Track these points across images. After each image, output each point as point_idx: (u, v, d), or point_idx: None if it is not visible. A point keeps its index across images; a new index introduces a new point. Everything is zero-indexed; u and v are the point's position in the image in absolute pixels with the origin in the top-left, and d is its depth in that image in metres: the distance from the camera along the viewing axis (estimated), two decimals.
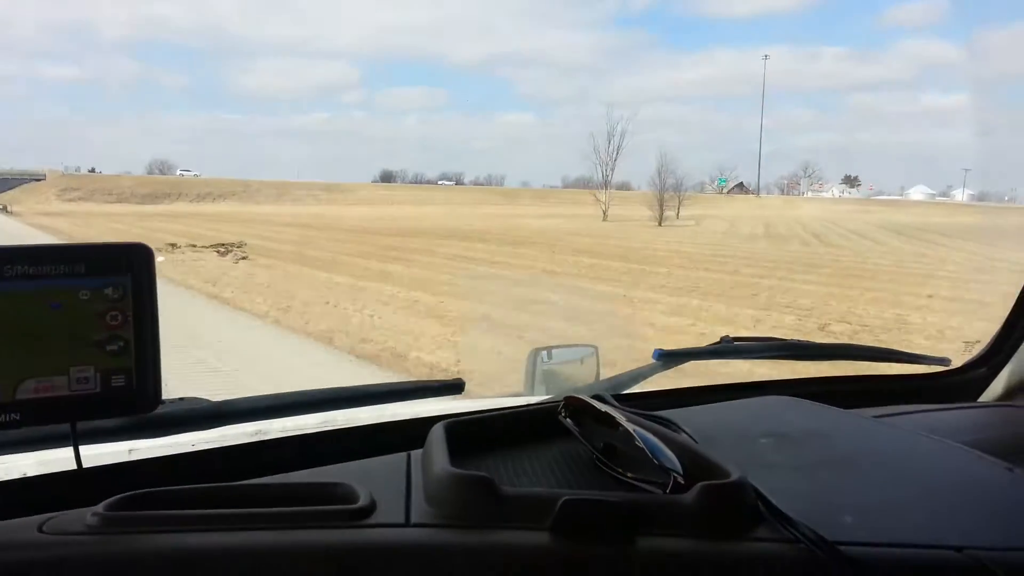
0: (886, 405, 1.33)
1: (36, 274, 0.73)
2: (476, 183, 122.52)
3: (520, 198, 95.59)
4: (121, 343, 0.77)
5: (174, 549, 0.73)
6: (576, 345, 1.62)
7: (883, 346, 1.67)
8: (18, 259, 0.73)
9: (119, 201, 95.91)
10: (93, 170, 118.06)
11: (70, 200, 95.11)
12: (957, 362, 1.62)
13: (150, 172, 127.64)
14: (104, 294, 0.76)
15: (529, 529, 0.76)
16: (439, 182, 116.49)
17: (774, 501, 0.80)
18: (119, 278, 0.76)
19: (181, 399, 0.96)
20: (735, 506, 0.79)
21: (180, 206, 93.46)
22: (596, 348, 1.57)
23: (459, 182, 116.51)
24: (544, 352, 1.55)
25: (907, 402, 1.38)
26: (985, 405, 1.56)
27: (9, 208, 48.56)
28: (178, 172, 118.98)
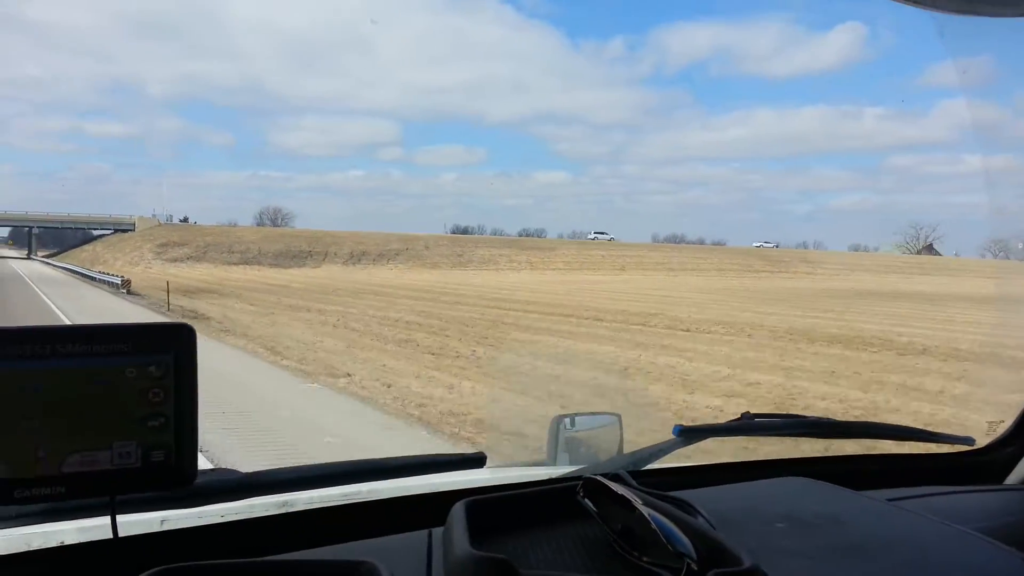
0: (907, 486, 1.33)
1: (86, 352, 0.76)
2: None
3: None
4: (162, 419, 0.79)
5: None
6: (599, 413, 1.64)
7: (906, 424, 1.58)
8: (71, 338, 0.76)
9: (245, 263, 69.56)
10: (186, 220, 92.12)
11: (176, 260, 68.96)
12: (981, 442, 1.57)
13: (260, 223, 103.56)
14: (148, 372, 0.78)
15: None
16: (591, 235, 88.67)
17: None
18: (163, 356, 0.79)
19: (213, 470, 0.98)
20: None
21: (337, 270, 67.01)
22: (619, 417, 1.58)
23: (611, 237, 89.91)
24: (567, 419, 1.56)
25: (929, 483, 1.37)
26: (1009, 488, 1.51)
27: (128, 287, 34.24)
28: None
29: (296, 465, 1.08)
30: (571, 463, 1.46)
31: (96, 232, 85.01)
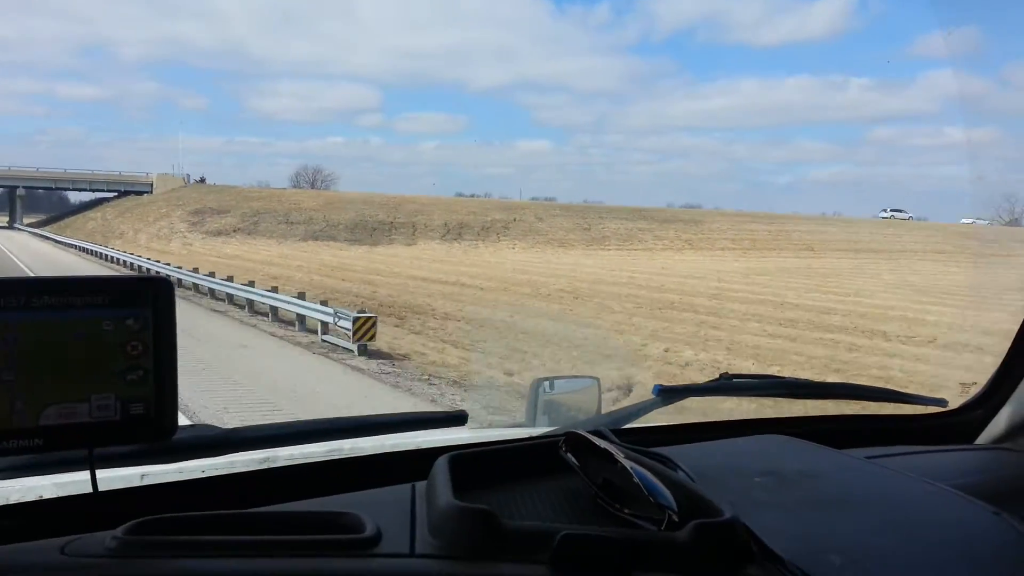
0: (882, 445, 1.36)
1: (62, 305, 0.76)
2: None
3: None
4: (141, 372, 0.79)
5: (190, 574, 0.78)
6: (578, 376, 1.67)
7: (881, 386, 1.63)
8: (45, 290, 0.76)
9: (314, 237, 52.00)
10: (203, 180, 73.69)
11: (220, 232, 51.21)
12: (954, 403, 1.60)
13: (296, 184, 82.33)
14: (126, 325, 0.78)
15: (529, 562, 0.80)
16: (884, 213, 70.78)
17: (765, 541, 0.85)
18: (141, 310, 0.79)
19: (193, 426, 0.97)
20: (727, 545, 0.83)
21: (441, 248, 49.47)
22: (598, 380, 1.61)
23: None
24: (546, 382, 1.59)
25: (903, 443, 1.40)
26: (980, 448, 1.54)
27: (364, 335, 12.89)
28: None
29: (277, 422, 1.05)
30: (550, 424, 1.48)
31: (101, 194, 66.55)
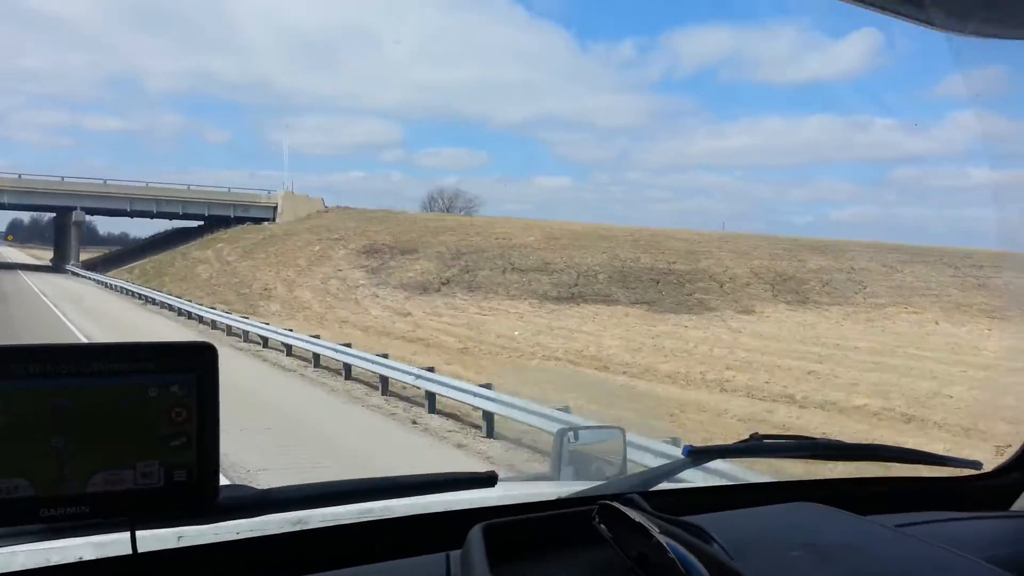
0: (914, 510, 1.36)
1: (110, 371, 0.76)
2: None
3: None
4: (185, 439, 0.79)
5: None
6: (603, 427, 1.66)
7: (913, 448, 1.58)
8: (94, 357, 0.76)
9: (578, 295, 29.92)
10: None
11: (426, 288, 28.42)
12: (988, 466, 1.57)
13: (427, 208, 61.62)
14: (171, 391, 0.78)
15: None
16: None
17: None
18: (186, 375, 0.79)
19: (229, 485, 0.97)
20: None
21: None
22: (623, 430, 1.60)
23: None
24: (571, 433, 1.58)
25: (936, 507, 1.39)
26: (1016, 515, 1.53)
27: None
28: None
29: (311, 483, 1.07)
30: (576, 477, 1.52)
31: (183, 222, 46.66)
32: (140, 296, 28.61)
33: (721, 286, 33.04)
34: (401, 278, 31.62)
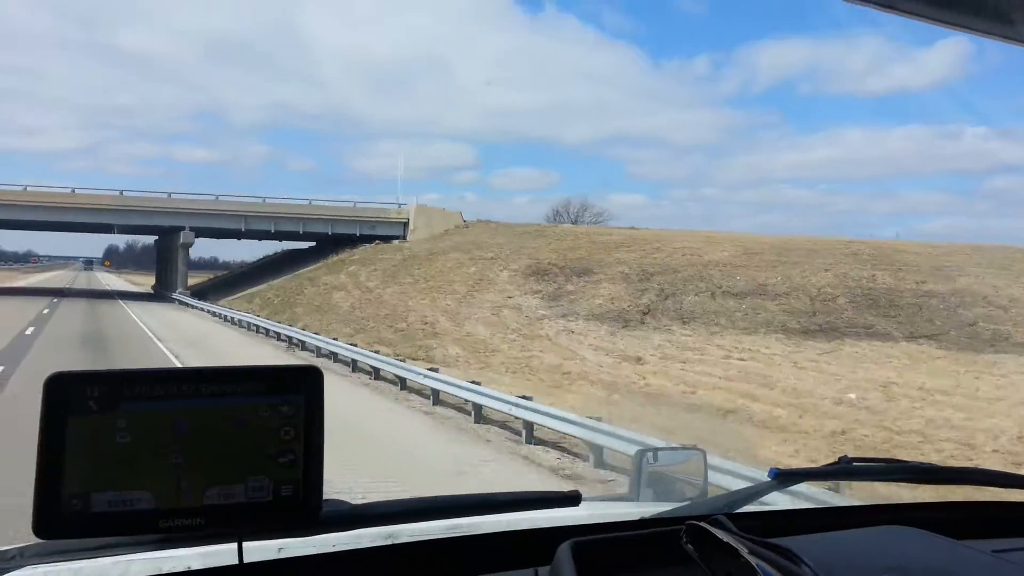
0: (1013, 536, 1.31)
1: (226, 392, 0.81)
2: None
3: None
4: (292, 456, 0.83)
5: None
6: (682, 447, 1.63)
7: (1010, 472, 1.52)
8: (211, 379, 0.81)
9: (825, 328, 22.06)
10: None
11: (626, 320, 20.79)
12: None
13: (552, 222, 53.92)
14: (280, 411, 0.82)
15: None
16: None
17: None
18: (294, 396, 0.83)
19: (329, 500, 1.00)
20: None
21: None
22: (703, 452, 1.58)
23: None
24: (650, 453, 1.56)
25: None
26: None
27: None
28: None
29: (404, 498, 1.10)
30: (655, 498, 1.51)
31: (291, 243, 41.02)
32: (277, 335, 22.41)
33: (1005, 311, 25.14)
34: (589, 306, 24.92)
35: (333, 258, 37.03)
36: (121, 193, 41.92)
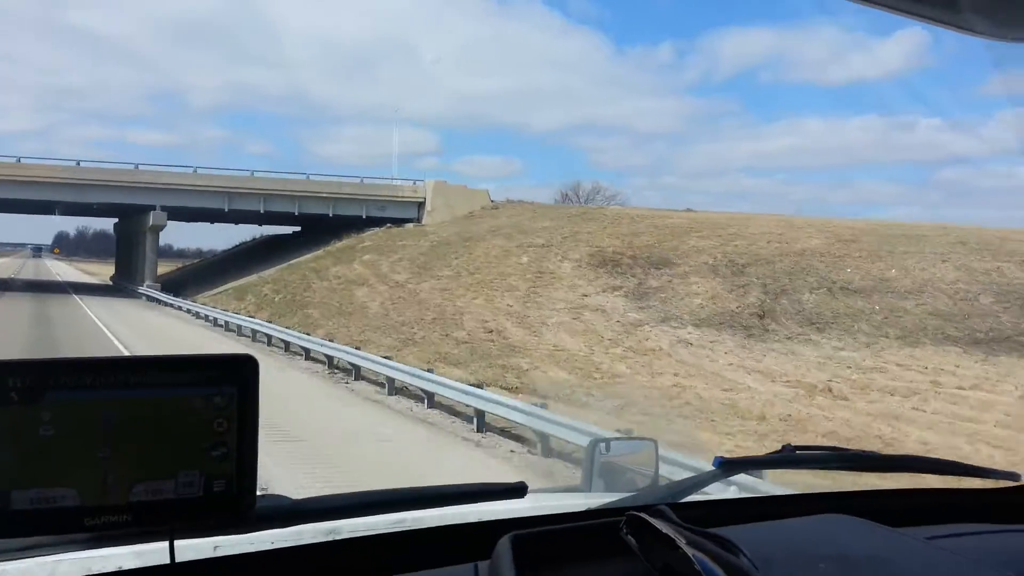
0: (949, 522, 1.34)
1: (155, 382, 0.78)
2: None
3: None
4: (225, 449, 0.80)
5: None
6: (635, 438, 1.67)
7: (949, 459, 1.54)
8: (139, 369, 0.79)
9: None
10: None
11: (733, 324, 16.49)
12: None
13: (563, 200, 46.38)
14: (213, 402, 0.80)
15: None
16: None
17: None
18: (227, 387, 0.80)
19: (263, 495, 0.99)
20: None
21: None
22: (655, 442, 1.57)
23: None
24: (602, 444, 1.56)
25: (971, 520, 1.37)
26: None
27: None
28: None
29: (344, 492, 1.08)
30: (607, 489, 1.51)
31: (277, 229, 34.81)
32: (305, 352, 16.57)
33: None
34: (688, 307, 19.88)
35: (337, 244, 31.51)
36: (78, 164, 35.24)
